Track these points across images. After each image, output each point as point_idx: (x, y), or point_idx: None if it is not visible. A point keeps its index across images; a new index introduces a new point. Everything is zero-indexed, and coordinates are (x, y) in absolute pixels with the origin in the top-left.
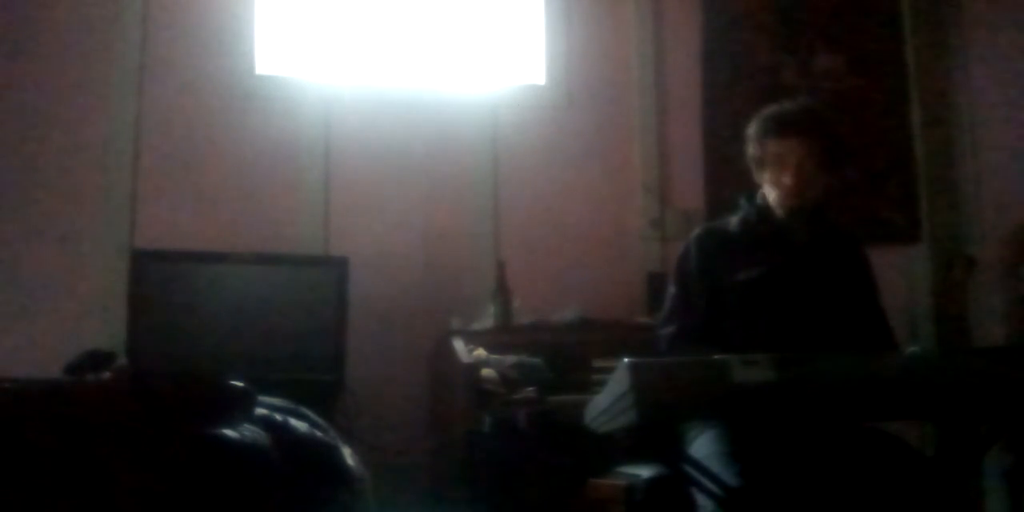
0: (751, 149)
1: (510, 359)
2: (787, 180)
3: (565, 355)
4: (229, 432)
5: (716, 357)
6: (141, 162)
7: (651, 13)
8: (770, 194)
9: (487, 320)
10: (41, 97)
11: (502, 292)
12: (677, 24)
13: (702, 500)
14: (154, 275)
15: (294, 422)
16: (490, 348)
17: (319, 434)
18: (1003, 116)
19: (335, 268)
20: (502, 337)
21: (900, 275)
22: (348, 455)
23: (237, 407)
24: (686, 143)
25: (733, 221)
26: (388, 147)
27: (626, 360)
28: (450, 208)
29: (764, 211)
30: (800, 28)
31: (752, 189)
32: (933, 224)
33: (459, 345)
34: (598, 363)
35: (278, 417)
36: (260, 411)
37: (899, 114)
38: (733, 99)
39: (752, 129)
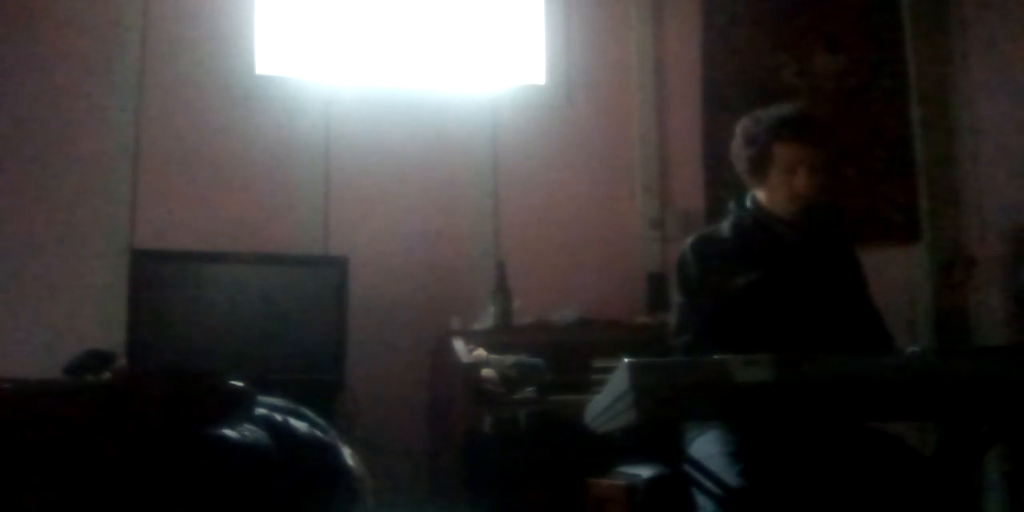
0: (748, 150)
1: (510, 359)
2: (802, 186)
3: (565, 355)
4: (229, 432)
5: (716, 357)
6: (141, 162)
7: (651, 13)
8: (771, 196)
9: (487, 320)
10: (42, 97)
11: (502, 292)
12: (677, 24)
13: (702, 500)
14: (154, 275)
15: (294, 422)
16: (490, 348)
17: (319, 434)
18: (1003, 116)
19: (335, 268)
20: (502, 337)
21: (900, 275)
22: (348, 455)
23: (237, 407)
24: (686, 143)
25: (724, 227)
26: (388, 147)
27: (626, 360)
28: (450, 208)
29: (757, 214)
30: (800, 28)
31: (742, 193)
32: (933, 224)
33: (459, 345)
34: (598, 363)
35: (278, 417)
36: (260, 411)
37: (899, 114)
38: (733, 99)
39: (753, 130)
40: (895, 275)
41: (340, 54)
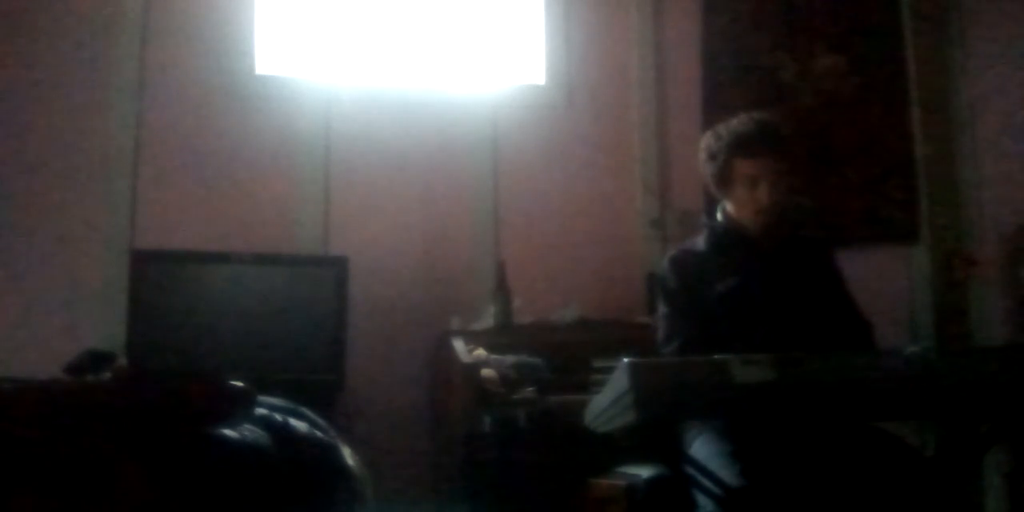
0: (712, 167)
1: (510, 359)
2: (764, 199)
3: (565, 355)
4: (229, 432)
5: (716, 357)
6: (141, 162)
7: (651, 13)
8: (738, 209)
9: (487, 320)
10: (42, 97)
11: (502, 292)
12: (677, 24)
13: (702, 500)
14: (154, 275)
15: (294, 422)
16: (490, 348)
17: (319, 434)
18: (1003, 116)
19: (335, 268)
20: (502, 337)
21: (900, 275)
22: (348, 455)
23: (237, 407)
24: (686, 143)
25: (699, 241)
26: (388, 147)
27: (626, 360)
28: (450, 208)
29: (728, 224)
30: (800, 28)
31: (714, 205)
32: (933, 224)
33: (459, 345)
34: (598, 363)
35: (278, 417)
36: (260, 411)
37: (899, 114)
38: (733, 99)
39: (713, 146)
40: (895, 275)
41: (340, 54)
